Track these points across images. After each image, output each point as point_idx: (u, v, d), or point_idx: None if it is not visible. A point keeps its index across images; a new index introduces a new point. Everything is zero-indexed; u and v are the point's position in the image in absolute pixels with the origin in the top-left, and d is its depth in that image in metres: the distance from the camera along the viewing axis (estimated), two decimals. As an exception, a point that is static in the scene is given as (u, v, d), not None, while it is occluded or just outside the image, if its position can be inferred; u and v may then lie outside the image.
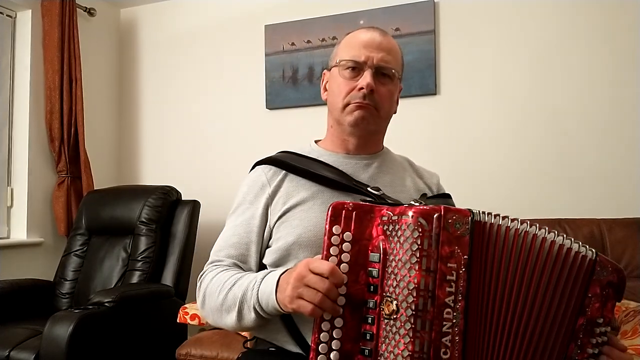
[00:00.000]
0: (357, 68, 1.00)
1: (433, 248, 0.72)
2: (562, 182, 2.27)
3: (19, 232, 2.58)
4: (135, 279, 2.27)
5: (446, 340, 0.70)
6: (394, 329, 0.72)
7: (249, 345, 1.05)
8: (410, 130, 2.48)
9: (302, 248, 0.94)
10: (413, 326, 0.70)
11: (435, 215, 0.73)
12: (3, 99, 2.61)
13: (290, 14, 2.69)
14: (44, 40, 2.66)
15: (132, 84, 3.09)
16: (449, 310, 0.71)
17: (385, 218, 0.76)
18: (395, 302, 0.72)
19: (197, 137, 2.89)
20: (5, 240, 2.53)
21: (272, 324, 0.95)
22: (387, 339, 0.72)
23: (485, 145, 2.39)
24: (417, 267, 0.71)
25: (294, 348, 0.93)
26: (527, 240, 0.76)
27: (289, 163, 1.02)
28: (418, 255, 0.72)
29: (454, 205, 0.87)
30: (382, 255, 0.75)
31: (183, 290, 2.35)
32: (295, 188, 1.00)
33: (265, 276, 0.86)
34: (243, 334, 1.89)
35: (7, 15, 2.64)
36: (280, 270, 0.86)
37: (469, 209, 0.75)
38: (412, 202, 0.79)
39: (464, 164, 2.40)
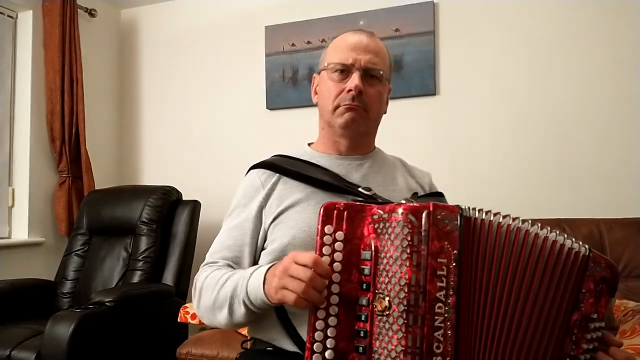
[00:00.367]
0: (345, 70, 1.02)
1: (423, 244, 0.73)
2: (562, 182, 2.27)
3: (20, 232, 2.59)
4: (136, 278, 2.28)
5: (439, 335, 0.71)
6: (387, 325, 0.73)
7: (247, 346, 1.06)
8: (410, 130, 2.48)
9: (296, 249, 0.94)
10: (405, 321, 0.71)
11: (424, 212, 0.74)
12: (4, 100, 2.62)
13: (291, 14, 2.69)
14: (45, 41, 2.67)
15: (132, 84, 3.09)
16: (441, 305, 0.72)
17: (376, 216, 0.78)
18: (387, 299, 0.73)
19: (197, 137, 2.90)
20: (6, 240, 2.53)
21: (269, 324, 0.97)
22: (380, 336, 0.73)
23: (485, 145, 2.39)
24: (407, 263, 0.72)
25: (292, 347, 0.94)
26: (519, 236, 0.77)
27: (282, 166, 1.04)
28: (408, 252, 0.73)
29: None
30: (373, 253, 0.76)
31: (184, 289, 2.35)
32: (289, 190, 1.02)
33: (254, 271, 0.88)
34: (243, 333, 1.89)
35: (8, 16, 2.65)
36: (269, 264, 0.87)
37: (458, 205, 0.76)
38: (403, 201, 0.80)
39: (463, 164, 2.41)
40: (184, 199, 2.55)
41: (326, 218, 0.78)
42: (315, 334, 0.75)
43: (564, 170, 2.27)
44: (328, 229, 0.78)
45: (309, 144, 1.15)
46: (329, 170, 1.04)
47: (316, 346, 0.75)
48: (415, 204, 0.75)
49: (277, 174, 1.04)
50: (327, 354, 0.75)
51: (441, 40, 2.46)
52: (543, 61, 2.33)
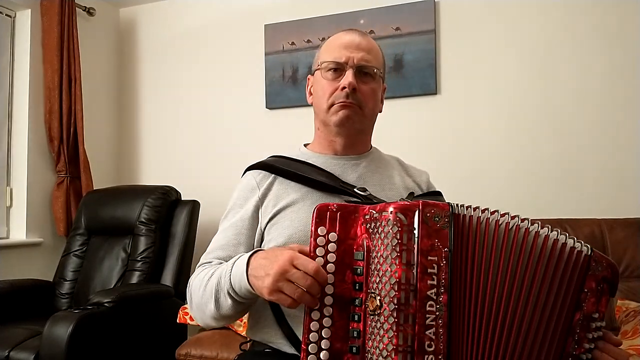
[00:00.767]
0: (338, 69, 1.03)
1: (413, 242, 0.73)
2: (563, 182, 2.27)
3: (19, 232, 2.58)
4: (134, 279, 2.27)
5: (430, 333, 0.71)
6: (379, 324, 0.73)
7: (245, 347, 1.06)
8: (410, 130, 2.48)
9: None
10: (396, 320, 0.71)
11: (414, 210, 0.74)
12: (2, 99, 2.61)
13: (290, 13, 2.69)
14: (43, 40, 2.66)
15: (131, 83, 3.08)
16: (432, 303, 0.71)
17: (367, 216, 0.78)
18: (378, 298, 0.73)
19: (196, 137, 2.89)
20: (4, 241, 2.52)
21: (267, 326, 0.97)
22: (372, 335, 0.73)
23: (486, 144, 2.39)
24: (397, 262, 0.72)
25: (289, 349, 0.93)
26: (518, 235, 0.76)
27: (277, 167, 1.04)
28: (398, 250, 0.73)
29: None
30: (365, 253, 0.77)
31: (183, 290, 2.34)
32: (285, 190, 1.02)
33: (236, 260, 0.87)
34: (242, 334, 1.89)
35: (7, 15, 2.63)
36: (249, 252, 0.86)
37: (448, 203, 0.76)
38: (398, 201, 0.80)
39: (464, 163, 2.40)
40: (183, 199, 2.54)
41: (319, 220, 0.79)
42: (310, 335, 0.75)
43: (565, 170, 2.27)
44: (321, 230, 0.78)
45: (305, 145, 1.15)
46: (324, 170, 1.04)
47: (311, 347, 0.75)
48: (405, 202, 0.76)
49: (273, 175, 1.04)
50: (322, 354, 0.75)
51: (442, 39, 2.45)
52: (544, 60, 2.32)
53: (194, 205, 2.47)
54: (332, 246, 0.78)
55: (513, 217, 0.77)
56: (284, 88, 2.68)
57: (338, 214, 0.79)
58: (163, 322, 2.16)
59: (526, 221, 0.77)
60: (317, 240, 0.78)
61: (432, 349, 0.70)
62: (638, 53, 2.19)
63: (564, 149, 2.28)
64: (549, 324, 0.75)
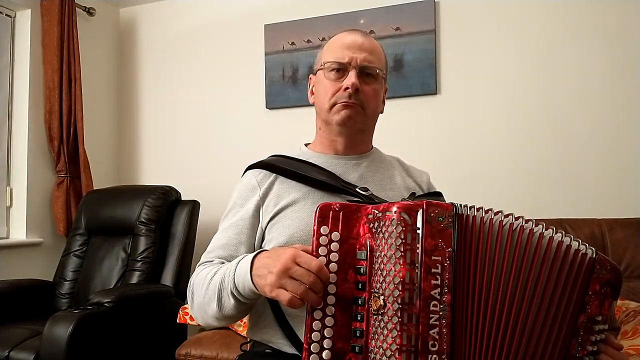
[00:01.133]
0: (341, 69, 1.03)
1: (417, 242, 0.73)
2: (563, 182, 2.27)
3: (19, 232, 2.58)
4: (134, 279, 2.27)
5: (434, 333, 0.71)
6: (382, 324, 0.72)
7: (246, 348, 1.06)
8: (410, 130, 2.48)
9: None
10: (400, 320, 0.71)
11: (417, 210, 0.74)
12: (2, 99, 2.61)
13: (290, 13, 2.68)
14: (43, 40, 2.66)
15: (131, 83, 3.08)
16: (436, 302, 0.71)
17: (370, 216, 0.78)
18: (382, 298, 0.73)
19: (196, 137, 2.89)
20: (4, 241, 2.52)
21: (267, 326, 0.96)
22: (376, 335, 0.73)
23: (486, 144, 2.39)
24: (401, 262, 0.72)
25: (290, 349, 0.93)
26: (522, 235, 0.76)
27: (278, 166, 1.04)
28: (402, 250, 0.73)
29: None
30: (368, 253, 0.76)
31: (183, 290, 2.34)
32: (286, 190, 1.02)
33: (240, 260, 0.87)
34: (242, 334, 1.89)
35: (7, 15, 2.63)
36: (254, 252, 0.86)
37: (452, 203, 0.76)
38: (400, 201, 0.80)
39: (464, 163, 2.40)
40: (183, 199, 2.54)
41: (322, 219, 0.78)
42: (312, 335, 0.75)
43: (565, 170, 2.27)
44: (324, 229, 0.78)
45: (306, 145, 1.15)
46: (326, 169, 1.04)
47: (313, 347, 0.75)
48: (409, 202, 0.76)
49: (274, 174, 1.04)
50: (324, 354, 0.75)
51: (442, 39, 2.45)
52: (544, 60, 2.32)
53: (194, 205, 2.47)
54: (334, 245, 0.77)
55: (517, 218, 0.77)
56: (284, 88, 2.67)
57: (341, 214, 0.79)
58: (163, 322, 2.16)
59: (530, 222, 0.77)
60: (320, 239, 0.78)
61: (435, 348, 0.70)
62: (638, 53, 2.19)
63: (564, 149, 2.28)
64: (553, 325, 0.75)
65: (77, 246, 2.47)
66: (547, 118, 2.31)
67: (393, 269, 0.73)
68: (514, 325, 0.74)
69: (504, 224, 0.76)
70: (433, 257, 0.72)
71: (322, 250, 0.77)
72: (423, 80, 2.45)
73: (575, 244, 0.77)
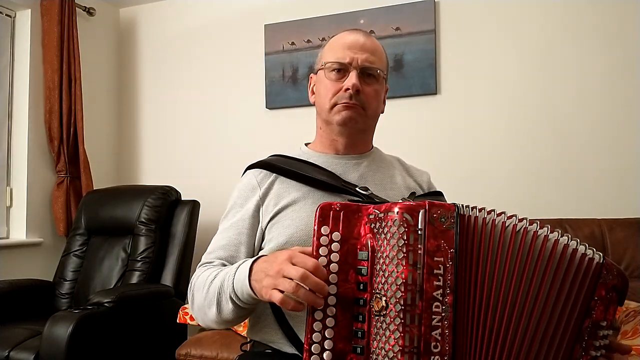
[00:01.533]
0: (342, 69, 1.02)
1: (419, 243, 0.72)
2: (563, 182, 2.27)
3: (19, 232, 2.58)
4: (134, 279, 2.27)
5: (436, 334, 0.71)
6: (384, 325, 0.72)
7: (246, 348, 1.06)
8: (410, 129, 2.48)
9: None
10: (402, 321, 0.71)
11: (420, 211, 0.73)
12: (2, 99, 2.61)
13: (290, 13, 2.68)
14: (43, 40, 2.66)
15: (131, 83, 3.08)
16: (438, 304, 0.71)
17: (372, 216, 0.77)
18: (384, 299, 0.72)
19: (196, 137, 2.89)
20: (4, 241, 2.52)
21: (268, 327, 0.96)
22: (378, 336, 0.73)
23: (486, 144, 2.39)
24: (404, 263, 0.72)
25: (290, 349, 0.93)
26: (526, 237, 0.76)
27: (278, 166, 1.04)
28: (404, 251, 0.72)
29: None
30: (370, 253, 0.76)
31: (183, 290, 2.34)
32: (286, 190, 1.02)
33: (239, 265, 0.87)
34: (242, 334, 1.89)
35: (7, 15, 2.63)
36: (254, 257, 0.86)
37: (454, 203, 0.75)
38: (400, 201, 0.79)
39: (464, 163, 2.40)
40: (183, 198, 2.54)
41: (322, 219, 0.78)
42: (313, 335, 0.75)
43: (565, 170, 2.27)
44: (324, 229, 0.77)
45: (306, 144, 1.15)
46: (326, 169, 1.04)
47: (314, 347, 0.75)
48: (411, 203, 0.75)
49: (274, 174, 1.04)
50: (325, 355, 0.75)
51: (442, 39, 2.45)
52: (544, 60, 2.32)
53: (194, 205, 2.47)
54: (335, 246, 0.77)
55: (521, 220, 0.77)
56: (284, 88, 2.67)
57: (341, 214, 0.78)
58: (163, 322, 2.16)
59: (535, 224, 0.76)
60: (320, 239, 0.77)
61: (437, 349, 0.70)
62: (638, 53, 2.19)
63: (564, 149, 2.28)
64: (557, 328, 0.75)
65: (77, 246, 2.47)
66: (547, 118, 2.31)
67: (395, 269, 0.72)
68: (516, 327, 0.74)
69: (507, 225, 0.76)
70: (435, 258, 0.72)
71: (322, 251, 0.77)
72: (423, 80, 2.45)
73: (582, 248, 0.77)
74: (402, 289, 0.71)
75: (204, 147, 2.86)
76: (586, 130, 2.25)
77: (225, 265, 0.98)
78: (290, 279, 0.73)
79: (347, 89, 1.00)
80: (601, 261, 0.76)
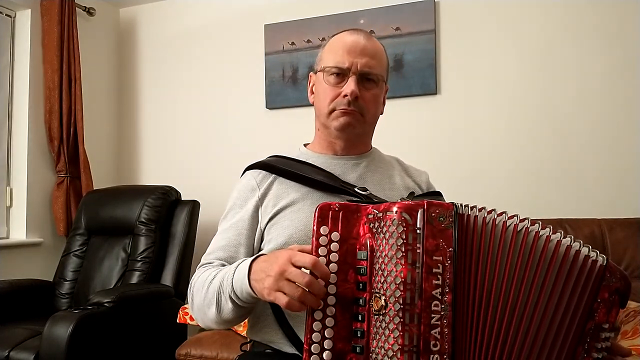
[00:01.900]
0: (341, 74, 1.01)
1: (418, 242, 0.73)
2: (563, 182, 2.27)
3: (19, 232, 2.58)
4: (134, 279, 2.27)
5: (435, 333, 0.71)
6: (384, 324, 0.72)
7: (246, 348, 1.06)
8: (410, 130, 2.48)
9: None
10: (402, 320, 0.71)
11: (418, 210, 0.74)
12: (2, 99, 2.61)
13: (290, 13, 2.68)
14: (43, 40, 2.66)
15: (131, 83, 3.08)
16: (437, 302, 0.71)
17: (371, 216, 0.77)
18: (383, 298, 0.73)
19: (196, 137, 2.89)
20: (4, 241, 2.52)
21: (267, 327, 0.96)
22: (377, 335, 0.73)
23: (486, 144, 2.39)
24: (403, 262, 0.72)
25: (290, 349, 0.93)
26: (528, 237, 0.76)
27: (277, 166, 1.04)
28: (403, 250, 0.72)
29: None
30: (369, 253, 0.76)
31: (183, 290, 2.34)
32: (285, 190, 1.02)
33: (238, 264, 0.87)
34: (242, 334, 1.89)
35: (7, 15, 2.63)
36: (252, 257, 0.86)
37: (452, 203, 0.76)
38: (399, 200, 0.79)
39: (464, 163, 2.40)
40: (183, 199, 2.54)
41: (321, 219, 0.78)
42: (313, 335, 0.75)
43: (565, 170, 2.27)
44: (324, 229, 0.78)
45: (305, 145, 1.15)
46: (325, 170, 1.04)
47: (314, 347, 0.75)
48: (409, 202, 0.75)
49: (273, 175, 1.04)
50: (324, 354, 0.75)
51: (442, 39, 2.45)
52: (544, 60, 2.32)
53: (194, 205, 2.47)
54: (334, 245, 0.77)
55: (522, 220, 0.77)
56: (284, 88, 2.67)
57: (340, 213, 0.78)
58: (163, 322, 2.16)
59: (537, 224, 0.76)
60: (320, 239, 0.77)
61: (437, 348, 0.70)
62: (638, 53, 2.19)
63: (564, 149, 2.28)
64: (560, 329, 0.75)
65: (77, 246, 2.47)
66: (547, 118, 2.31)
67: (394, 269, 0.72)
68: (517, 327, 0.74)
69: (508, 225, 0.76)
70: (434, 257, 0.72)
71: (322, 251, 0.77)
72: (423, 80, 2.45)
73: (585, 250, 0.76)
74: (401, 288, 0.72)
75: (204, 147, 2.86)
76: (586, 130, 2.25)
77: (224, 266, 0.98)
78: (295, 282, 0.74)
79: (346, 95, 1.00)
80: (604, 264, 0.76)
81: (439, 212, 0.74)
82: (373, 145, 1.16)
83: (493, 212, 0.77)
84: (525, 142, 2.33)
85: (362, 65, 1.00)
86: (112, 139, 3.06)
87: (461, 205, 0.76)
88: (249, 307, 0.90)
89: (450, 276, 0.72)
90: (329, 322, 0.76)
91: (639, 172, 2.16)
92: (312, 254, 0.77)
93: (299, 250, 0.78)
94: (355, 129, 1.04)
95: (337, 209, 0.79)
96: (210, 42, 2.88)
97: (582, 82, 2.26)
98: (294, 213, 0.98)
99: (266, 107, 2.73)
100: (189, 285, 0.99)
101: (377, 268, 0.75)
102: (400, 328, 0.71)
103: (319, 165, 1.05)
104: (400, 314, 0.71)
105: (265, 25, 2.72)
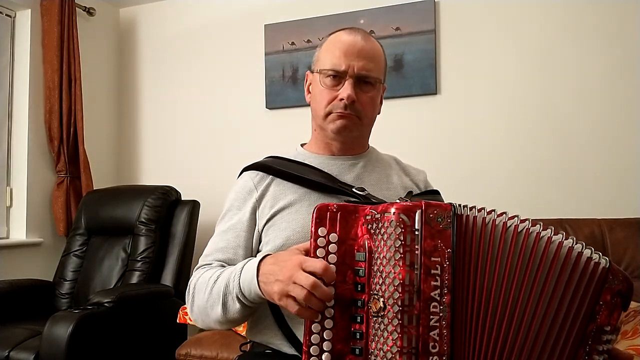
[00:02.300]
0: (337, 77, 1.00)
1: (416, 243, 0.72)
2: (563, 182, 2.26)
3: (19, 232, 2.58)
4: (134, 279, 2.27)
5: (434, 334, 0.70)
6: (382, 326, 0.72)
7: (245, 348, 1.06)
8: (410, 130, 2.48)
9: None
10: (400, 322, 0.71)
11: (416, 211, 0.73)
12: (2, 99, 2.61)
13: (290, 13, 2.68)
14: (43, 40, 2.66)
15: (131, 83, 3.08)
16: (436, 304, 0.71)
17: (369, 217, 0.77)
18: (382, 299, 0.72)
19: (196, 137, 2.89)
20: (4, 241, 2.52)
21: (267, 327, 0.96)
22: (376, 337, 0.73)
23: (486, 144, 2.39)
24: (401, 263, 0.72)
25: (290, 350, 0.93)
26: (529, 239, 0.75)
27: (275, 167, 1.03)
28: (402, 251, 0.72)
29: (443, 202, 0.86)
30: (367, 254, 0.76)
31: (183, 290, 2.31)
32: (282, 191, 1.01)
33: (245, 264, 0.87)
34: (242, 334, 1.89)
35: (7, 15, 2.63)
36: (259, 256, 0.86)
37: (451, 203, 0.75)
38: (397, 200, 0.79)
39: (464, 163, 2.40)
40: (183, 199, 2.54)
41: (319, 220, 0.78)
42: (312, 337, 0.75)
43: (565, 170, 2.27)
44: (322, 231, 0.77)
45: (302, 145, 1.14)
46: (322, 170, 1.03)
47: (313, 349, 0.75)
48: (407, 203, 0.75)
49: (270, 176, 1.04)
50: (324, 356, 0.75)
51: (442, 39, 2.45)
52: (544, 60, 2.32)
53: (194, 205, 2.47)
54: (332, 247, 0.77)
55: (523, 221, 0.76)
56: (284, 88, 2.67)
57: (338, 214, 0.78)
58: (163, 322, 2.16)
59: (538, 225, 0.76)
60: (318, 241, 0.77)
61: (436, 350, 0.70)
62: (638, 53, 2.19)
63: (564, 149, 2.28)
64: (561, 332, 0.74)
65: (77, 246, 2.47)
66: (547, 118, 2.31)
67: (392, 270, 0.72)
68: (517, 328, 0.74)
69: (508, 225, 0.76)
70: (432, 258, 0.72)
71: (320, 252, 0.76)
72: (423, 80, 2.45)
73: (587, 252, 0.76)
74: (400, 290, 0.71)
75: (204, 147, 2.86)
76: (586, 130, 2.25)
77: (223, 267, 0.97)
78: (301, 285, 0.74)
79: (342, 98, 0.99)
80: (607, 266, 0.76)
81: (437, 212, 0.73)
82: (370, 145, 1.15)
83: (493, 212, 0.77)
84: (525, 142, 2.33)
85: (359, 69, 0.99)
86: (112, 139, 3.06)
87: (459, 205, 0.76)
88: (255, 307, 0.90)
89: (449, 277, 0.72)
90: (328, 323, 0.75)
91: (639, 172, 2.16)
92: (310, 253, 0.77)
93: (303, 250, 0.78)
94: (352, 132, 1.03)
95: (335, 210, 0.78)
96: (210, 42, 2.88)
97: (582, 82, 2.26)
98: (292, 214, 0.98)
99: (266, 107, 2.73)
100: (188, 287, 0.99)
101: (375, 269, 0.74)
102: (399, 330, 0.70)
103: (316, 166, 1.04)
104: (399, 316, 0.71)
105: (265, 25, 2.72)
